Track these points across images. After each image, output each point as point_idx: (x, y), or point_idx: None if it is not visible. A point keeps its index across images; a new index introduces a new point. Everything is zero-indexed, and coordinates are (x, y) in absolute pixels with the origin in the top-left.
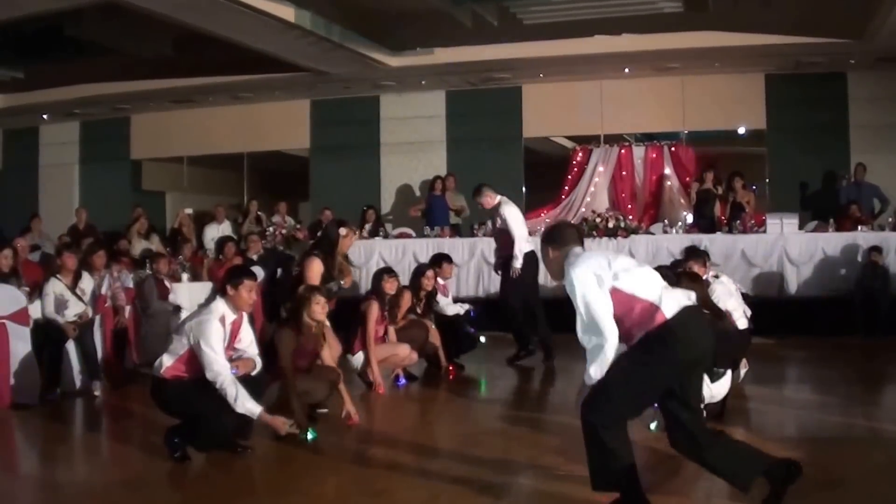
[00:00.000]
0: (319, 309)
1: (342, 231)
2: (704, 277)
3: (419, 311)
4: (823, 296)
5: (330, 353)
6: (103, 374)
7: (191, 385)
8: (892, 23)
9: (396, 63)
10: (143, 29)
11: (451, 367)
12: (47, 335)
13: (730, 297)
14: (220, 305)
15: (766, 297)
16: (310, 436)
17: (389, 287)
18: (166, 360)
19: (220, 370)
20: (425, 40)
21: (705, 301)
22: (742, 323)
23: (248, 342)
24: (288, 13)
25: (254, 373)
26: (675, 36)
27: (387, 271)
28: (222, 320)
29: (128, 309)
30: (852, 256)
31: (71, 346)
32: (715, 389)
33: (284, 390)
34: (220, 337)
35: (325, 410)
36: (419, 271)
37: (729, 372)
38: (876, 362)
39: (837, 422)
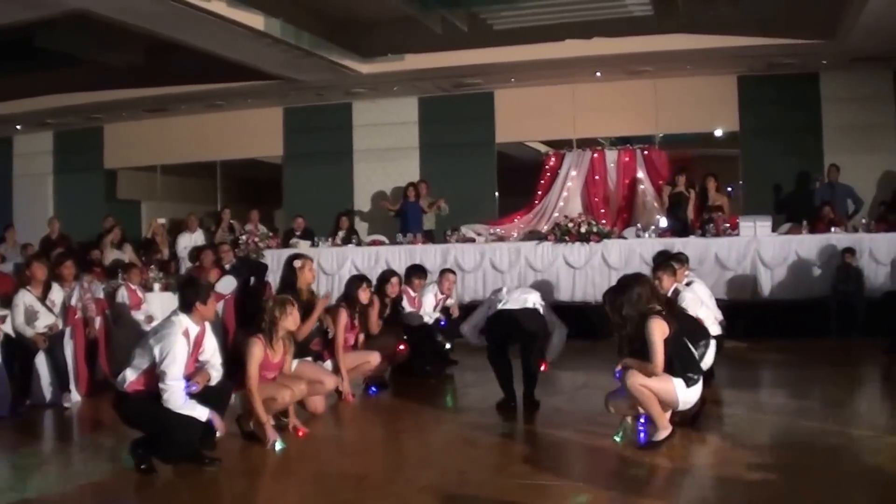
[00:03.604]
0: (292, 321)
1: (297, 263)
2: (675, 286)
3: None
4: (797, 298)
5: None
6: (74, 385)
7: (154, 399)
8: (863, 22)
9: (368, 70)
10: (115, 39)
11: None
12: (17, 347)
13: (699, 306)
14: (182, 320)
15: (739, 301)
16: (278, 446)
17: (364, 297)
18: (129, 375)
19: (174, 387)
20: (396, 46)
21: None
22: (714, 329)
23: (211, 351)
24: (257, 21)
25: (214, 382)
26: (647, 39)
27: (362, 279)
28: (186, 334)
29: (98, 320)
30: (826, 258)
31: (41, 358)
32: (688, 395)
33: (249, 403)
34: (184, 353)
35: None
36: (384, 277)
37: (701, 380)
38: (850, 365)
39: (811, 427)
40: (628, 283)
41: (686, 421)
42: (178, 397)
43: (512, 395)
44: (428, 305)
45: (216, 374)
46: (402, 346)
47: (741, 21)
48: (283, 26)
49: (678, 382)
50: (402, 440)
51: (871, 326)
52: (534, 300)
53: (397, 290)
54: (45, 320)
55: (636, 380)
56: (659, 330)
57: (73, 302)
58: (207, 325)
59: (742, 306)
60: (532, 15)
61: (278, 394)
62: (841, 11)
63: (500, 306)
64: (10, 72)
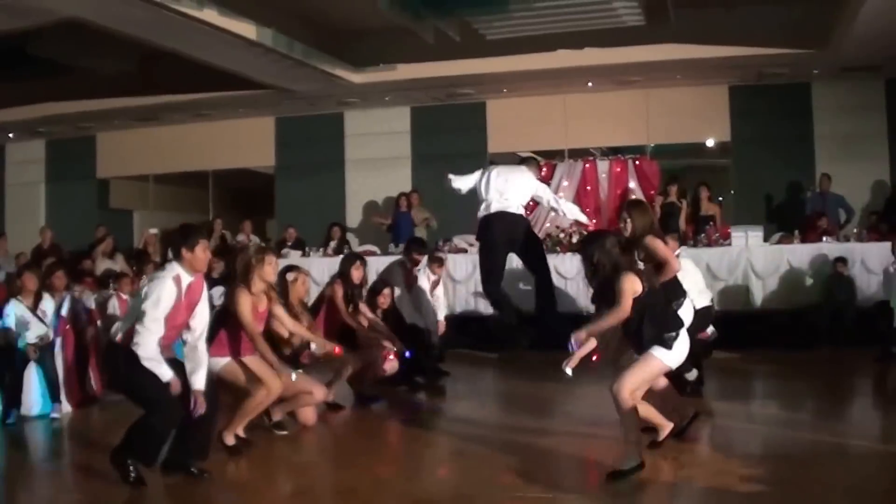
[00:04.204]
0: (271, 270)
1: (290, 276)
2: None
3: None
4: (789, 308)
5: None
6: (64, 396)
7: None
8: (854, 32)
9: (360, 79)
10: (106, 47)
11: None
12: (7, 357)
13: (684, 278)
14: (173, 267)
15: (731, 311)
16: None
17: (357, 275)
18: (123, 326)
19: (149, 331)
20: (388, 56)
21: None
22: (701, 301)
23: (202, 325)
24: (249, 31)
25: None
26: (638, 49)
27: (356, 256)
28: (177, 280)
29: (89, 330)
30: (818, 268)
31: (31, 369)
32: (674, 356)
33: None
34: (170, 297)
35: (285, 432)
36: (375, 289)
37: (682, 333)
38: (842, 375)
39: (803, 438)
40: (601, 232)
41: (674, 431)
42: (149, 344)
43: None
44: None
45: (201, 346)
46: (391, 356)
47: (732, 31)
48: (274, 36)
49: (657, 352)
50: (393, 452)
51: (862, 335)
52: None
53: (388, 303)
54: (35, 330)
55: (623, 390)
56: (630, 285)
57: (64, 312)
58: (204, 285)
59: (734, 316)
60: (524, 25)
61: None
62: (832, 21)
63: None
64: (2, 80)
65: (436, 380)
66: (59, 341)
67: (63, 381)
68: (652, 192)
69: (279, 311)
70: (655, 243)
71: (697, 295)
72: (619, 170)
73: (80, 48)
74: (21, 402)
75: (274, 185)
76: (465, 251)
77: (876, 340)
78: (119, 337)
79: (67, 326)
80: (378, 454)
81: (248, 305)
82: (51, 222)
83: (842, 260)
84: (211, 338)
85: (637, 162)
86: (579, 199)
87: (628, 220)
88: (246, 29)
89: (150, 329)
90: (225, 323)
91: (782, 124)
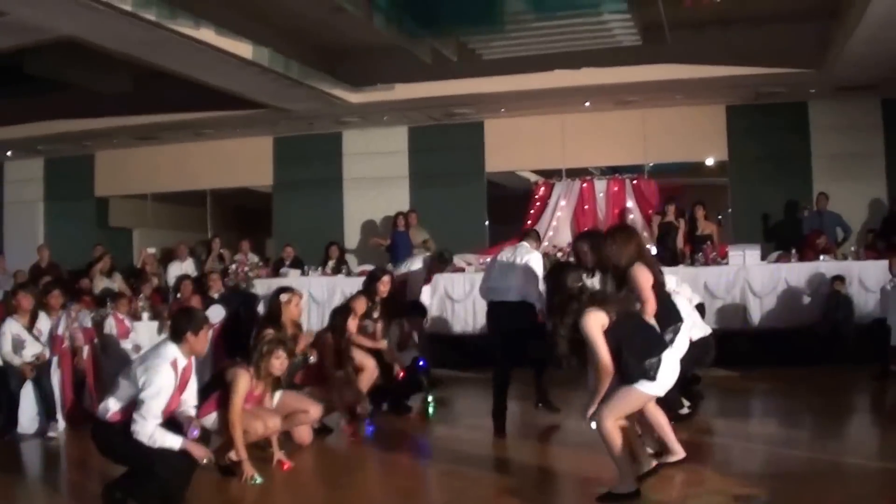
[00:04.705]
0: (278, 364)
1: (283, 297)
2: None
3: (375, 315)
4: (787, 327)
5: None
6: (61, 415)
7: None
8: (850, 51)
9: (357, 99)
10: (104, 66)
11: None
12: (4, 376)
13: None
14: (172, 350)
15: (729, 330)
16: (257, 479)
17: (384, 289)
18: (112, 405)
19: (149, 423)
20: (386, 76)
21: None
22: (695, 333)
23: (192, 392)
24: (246, 50)
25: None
26: (635, 69)
27: (384, 272)
28: (174, 365)
29: (86, 349)
30: (815, 286)
31: (28, 388)
32: (657, 387)
33: (228, 433)
34: (169, 386)
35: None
36: (374, 276)
37: (666, 359)
38: (840, 393)
39: (801, 456)
40: (560, 266)
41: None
42: (148, 430)
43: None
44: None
45: (192, 412)
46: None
47: (729, 51)
48: (271, 55)
49: (640, 385)
50: (388, 472)
51: (860, 354)
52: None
53: (387, 290)
54: (31, 349)
55: (605, 422)
56: (593, 323)
57: (60, 331)
58: (193, 361)
59: (732, 335)
60: (521, 45)
61: (250, 425)
62: (828, 40)
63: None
64: (0, 97)
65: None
66: (55, 360)
67: (59, 400)
68: (650, 211)
69: (267, 401)
70: (639, 279)
71: (689, 329)
72: (616, 189)
73: (76, 66)
74: (17, 421)
75: (272, 203)
76: (463, 270)
77: (874, 358)
78: (110, 415)
79: (64, 345)
80: (371, 475)
81: (244, 391)
82: (50, 240)
83: (839, 278)
84: (203, 399)
85: (635, 181)
86: (577, 219)
87: (588, 252)
88: (243, 48)
89: (150, 420)
90: (217, 390)
91: (779, 143)
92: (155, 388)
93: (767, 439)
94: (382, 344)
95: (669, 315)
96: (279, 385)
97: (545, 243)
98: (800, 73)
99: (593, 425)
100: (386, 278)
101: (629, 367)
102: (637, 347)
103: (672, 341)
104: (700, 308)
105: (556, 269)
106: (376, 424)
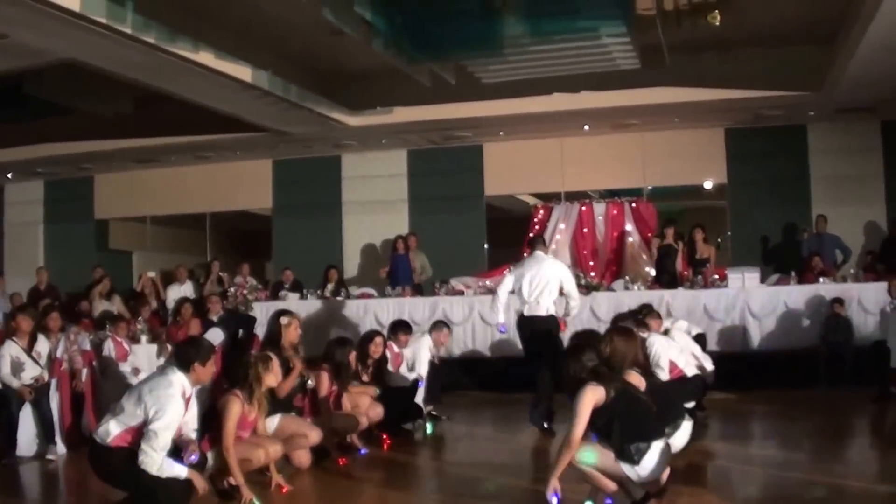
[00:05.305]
0: (273, 377)
1: (283, 320)
2: (646, 335)
3: (366, 378)
4: (786, 349)
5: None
6: (60, 437)
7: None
8: (849, 74)
9: (356, 122)
10: (103, 88)
11: (384, 436)
12: (3, 399)
13: (669, 350)
14: (180, 378)
15: (728, 352)
16: (256, 503)
17: (376, 351)
18: (114, 429)
19: (158, 455)
20: (384, 99)
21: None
22: (690, 370)
23: (191, 416)
24: (245, 73)
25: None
26: (634, 92)
27: (377, 333)
28: (183, 395)
29: (85, 372)
30: (815, 308)
31: (27, 410)
32: (637, 470)
33: (223, 461)
34: (179, 417)
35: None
36: (367, 337)
37: (654, 448)
38: (840, 415)
39: (800, 479)
40: (581, 345)
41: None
42: (157, 462)
43: None
44: (423, 361)
45: (192, 435)
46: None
47: (727, 74)
48: (270, 79)
49: (622, 464)
50: (386, 498)
51: (860, 376)
52: None
53: (381, 351)
54: (30, 372)
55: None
56: (589, 396)
57: (59, 353)
58: (194, 394)
59: (731, 357)
60: (519, 69)
61: (252, 454)
62: (827, 63)
63: None
64: (1, 120)
65: (425, 425)
66: (54, 383)
67: (58, 423)
68: (649, 234)
69: (260, 425)
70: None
71: (685, 365)
72: (615, 212)
73: (76, 89)
74: (16, 444)
75: (271, 227)
76: (462, 293)
77: (873, 380)
78: (111, 440)
79: (62, 368)
80: (372, 500)
81: (237, 416)
82: (49, 263)
83: (839, 300)
84: (203, 432)
85: (634, 204)
86: (576, 242)
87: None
88: (242, 72)
89: (160, 452)
90: (212, 426)
91: (779, 166)
92: (167, 419)
93: (767, 462)
94: (372, 391)
95: (671, 411)
96: (279, 409)
97: None
98: (799, 96)
99: (554, 501)
100: (378, 339)
101: (613, 444)
102: (629, 427)
103: (669, 435)
104: (701, 339)
105: (575, 347)
106: (371, 448)
